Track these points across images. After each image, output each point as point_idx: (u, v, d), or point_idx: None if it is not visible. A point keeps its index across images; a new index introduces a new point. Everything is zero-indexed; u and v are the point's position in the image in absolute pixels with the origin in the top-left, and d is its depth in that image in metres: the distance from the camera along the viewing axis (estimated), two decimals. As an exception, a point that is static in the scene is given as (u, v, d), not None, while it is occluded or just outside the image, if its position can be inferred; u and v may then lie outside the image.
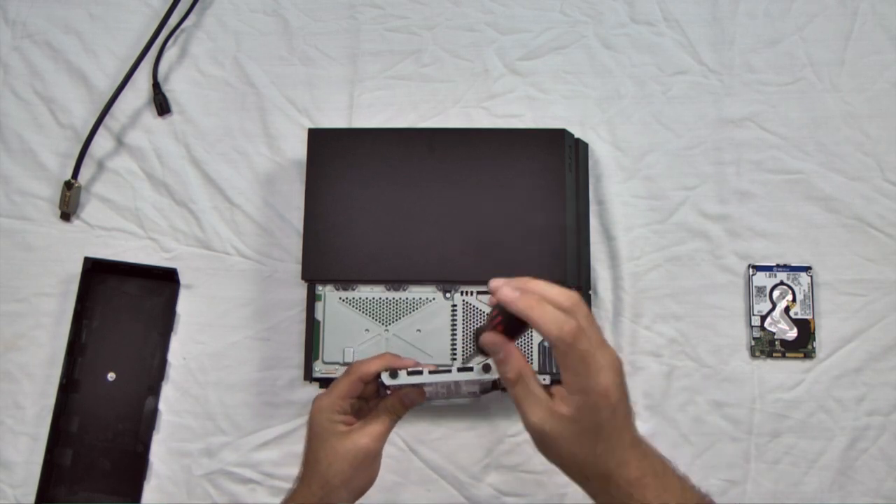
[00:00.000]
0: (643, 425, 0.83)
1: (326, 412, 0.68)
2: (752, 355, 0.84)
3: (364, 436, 0.67)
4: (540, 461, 0.82)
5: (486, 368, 0.65)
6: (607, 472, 0.56)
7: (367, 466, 0.67)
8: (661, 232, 0.87)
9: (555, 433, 0.56)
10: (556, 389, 0.57)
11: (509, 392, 0.58)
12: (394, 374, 0.66)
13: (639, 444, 0.58)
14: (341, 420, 0.68)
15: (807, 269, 0.85)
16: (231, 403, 0.85)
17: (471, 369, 0.65)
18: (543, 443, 0.57)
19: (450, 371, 0.66)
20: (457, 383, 0.68)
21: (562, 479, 0.82)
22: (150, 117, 0.91)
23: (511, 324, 0.58)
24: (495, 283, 0.57)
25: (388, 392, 0.69)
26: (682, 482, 0.60)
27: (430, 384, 0.67)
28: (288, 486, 0.71)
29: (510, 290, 0.56)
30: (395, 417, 0.68)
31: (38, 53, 0.93)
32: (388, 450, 0.83)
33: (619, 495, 0.57)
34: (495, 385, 0.72)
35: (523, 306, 0.55)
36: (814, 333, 0.84)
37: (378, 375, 0.68)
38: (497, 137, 0.83)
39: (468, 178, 0.81)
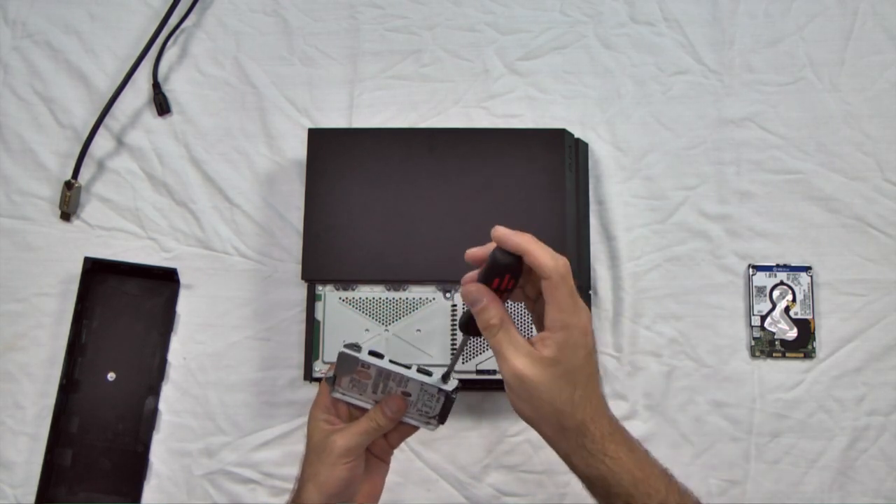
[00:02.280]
0: (643, 425, 0.83)
1: (315, 410, 0.68)
2: (752, 355, 0.84)
3: (341, 436, 0.65)
4: (540, 461, 0.83)
5: (445, 378, 0.64)
6: (583, 421, 0.58)
7: (338, 464, 0.65)
8: (661, 232, 0.87)
9: (536, 378, 0.57)
10: (535, 338, 0.58)
11: (490, 342, 0.59)
12: (355, 347, 0.64)
13: (607, 406, 0.60)
14: (324, 419, 0.67)
15: (807, 269, 0.85)
16: (231, 403, 0.85)
17: (430, 374, 0.65)
18: (524, 390, 0.57)
19: (409, 367, 0.65)
20: (419, 396, 0.66)
21: (562, 479, 0.82)
22: (150, 117, 0.91)
23: (495, 272, 0.58)
24: (497, 228, 0.58)
25: (338, 388, 0.67)
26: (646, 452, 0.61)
27: (384, 377, 0.65)
28: (288, 486, 0.71)
29: (508, 229, 0.58)
30: (375, 424, 0.66)
31: (38, 53, 0.93)
32: (388, 450, 0.83)
33: (594, 449, 0.58)
34: (445, 412, 0.67)
35: (521, 240, 0.57)
36: (814, 333, 0.84)
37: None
38: (497, 137, 0.83)
39: (468, 178, 0.81)
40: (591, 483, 0.60)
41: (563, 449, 0.60)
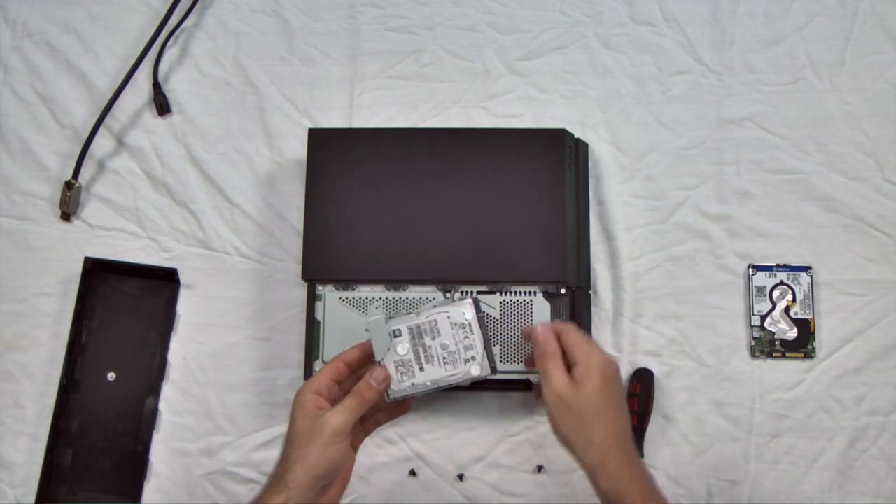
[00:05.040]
0: (643, 425, 0.83)
1: (305, 391, 0.68)
2: (752, 355, 0.84)
3: (332, 416, 0.66)
4: (540, 461, 0.83)
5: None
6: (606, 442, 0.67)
7: (329, 445, 0.65)
8: (661, 232, 0.87)
9: (570, 396, 0.67)
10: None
11: (541, 363, 0.69)
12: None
13: (631, 439, 0.70)
14: (313, 401, 0.67)
15: (807, 269, 0.85)
16: (231, 403, 0.85)
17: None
18: (563, 407, 0.68)
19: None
20: (454, 339, 0.70)
21: (562, 479, 0.82)
22: (150, 117, 0.91)
23: None
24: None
25: (391, 390, 0.69)
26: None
27: (418, 338, 0.69)
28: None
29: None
30: (361, 399, 0.67)
31: (38, 53, 0.93)
32: (388, 450, 0.83)
33: (618, 463, 0.67)
34: (490, 352, 0.71)
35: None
36: (814, 333, 0.84)
37: (363, 360, 0.70)
38: (497, 137, 0.83)
39: (468, 178, 0.81)
40: (608, 499, 0.67)
41: (587, 465, 0.68)
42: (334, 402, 0.68)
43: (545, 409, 0.69)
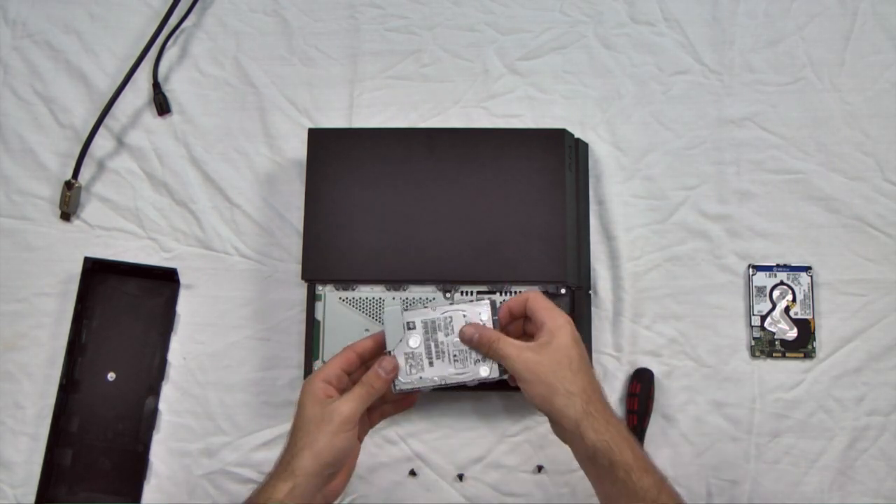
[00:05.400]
0: (643, 425, 0.83)
1: (315, 381, 0.68)
2: (752, 355, 0.84)
3: (342, 403, 0.66)
4: (540, 461, 0.83)
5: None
6: (584, 389, 0.66)
7: (339, 433, 0.66)
8: (661, 232, 0.87)
9: (535, 357, 0.66)
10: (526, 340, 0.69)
11: (494, 352, 0.68)
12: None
13: (603, 391, 0.69)
14: (323, 389, 0.67)
15: (807, 269, 0.85)
16: (231, 403, 0.85)
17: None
18: (530, 371, 0.66)
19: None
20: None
21: (562, 478, 0.82)
22: (150, 117, 0.91)
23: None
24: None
25: (398, 381, 0.70)
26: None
27: (431, 332, 0.70)
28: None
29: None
30: (370, 388, 0.67)
31: (38, 53, 0.93)
32: (388, 450, 0.83)
33: (599, 415, 0.65)
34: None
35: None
36: (814, 333, 0.84)
37: (375, 352, 0.70)
38: (497, 137, 0.83)
39: (468, 178, 0.81)
40: (596, 454, 0.65)
41: (572, 419, 0.65)
42: (343, 391, 0.68)
43: (519, 385, 0.67)
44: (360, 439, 0.70)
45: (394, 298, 0.71)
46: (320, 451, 0.65)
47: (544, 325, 0.67)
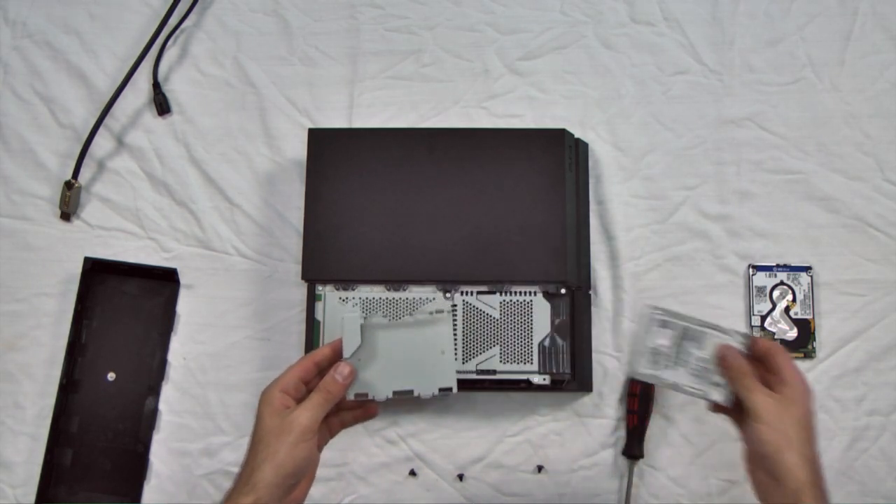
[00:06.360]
0: (643, 425, 0.83)
1: (273, 390, 0.67)
2: (753, 355, 0.84)
3: (300, 413, 0.66)
4: (539, 461, 0.83)
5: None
6: (813, 460, 0.66)
7: (299, 443, 0.65)
8: (661, 232, 0.87)
9: (775, 410, 0.66)
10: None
11: (740, 382, 0.68)
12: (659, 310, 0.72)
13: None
14: (281, 399, 0.67)
15: (807, 269, 0.85)
16: (231, 403, 0.85)
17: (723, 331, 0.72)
18: (776, 417, 0.66)
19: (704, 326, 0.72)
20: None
21: (562, 479, 0.82)
22: (150, 117, 0.91)
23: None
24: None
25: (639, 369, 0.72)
26: None
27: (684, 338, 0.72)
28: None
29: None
30: (327, 394, 0.67)
31: (38, 53, 0.93)
32: (388, 450, 0.83)
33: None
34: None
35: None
36: (814, 333, 0.84)
37: (333, 359, 0.69)
38: (497, 137, 0.83)
39: (468, 179, 0.81)
40: None
41: (798, 480, 0.65)
42: (300, 400, 0.67)
43: (753, 423, 0.66)
44: (320, 448, 0.70)
45: (354, 306, 0.70)
46: (281, 463, 0.64)
47: (788, 382, 0.67)
